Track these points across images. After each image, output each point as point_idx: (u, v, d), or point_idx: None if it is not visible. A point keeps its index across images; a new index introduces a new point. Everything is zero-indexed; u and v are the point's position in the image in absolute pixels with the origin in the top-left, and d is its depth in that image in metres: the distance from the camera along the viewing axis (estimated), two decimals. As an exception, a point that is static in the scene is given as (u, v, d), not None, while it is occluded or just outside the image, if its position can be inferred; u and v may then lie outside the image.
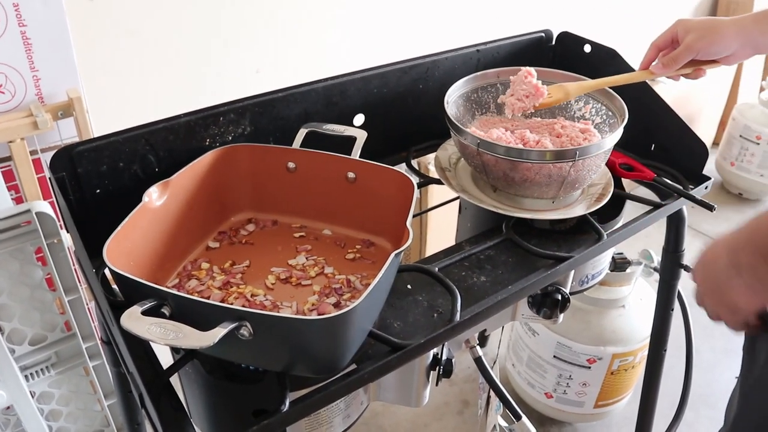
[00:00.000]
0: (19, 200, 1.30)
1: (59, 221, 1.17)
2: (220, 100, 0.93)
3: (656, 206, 1.04)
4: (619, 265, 1.52)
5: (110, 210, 0.80)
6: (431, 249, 2.04)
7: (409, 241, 0.70)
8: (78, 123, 1.25)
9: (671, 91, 2.68)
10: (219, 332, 0.58)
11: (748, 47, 0.97)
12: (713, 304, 0.77)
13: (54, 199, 1.33)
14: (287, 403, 0.67)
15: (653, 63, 1.03)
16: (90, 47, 1.34)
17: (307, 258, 0.88)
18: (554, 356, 1.64)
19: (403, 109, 1.11)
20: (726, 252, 0.74)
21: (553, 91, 1.02)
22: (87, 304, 1.29)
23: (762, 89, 2.90)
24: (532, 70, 1.02)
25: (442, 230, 2.03)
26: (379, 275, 0.64)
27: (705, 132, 3.26)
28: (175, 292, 0.63)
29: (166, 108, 0.95)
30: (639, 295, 1.62)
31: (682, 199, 1.06)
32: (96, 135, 1.27)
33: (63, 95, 1.25)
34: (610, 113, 1.04)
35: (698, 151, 1.10)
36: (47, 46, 1.21)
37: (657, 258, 1.48)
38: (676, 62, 0.99)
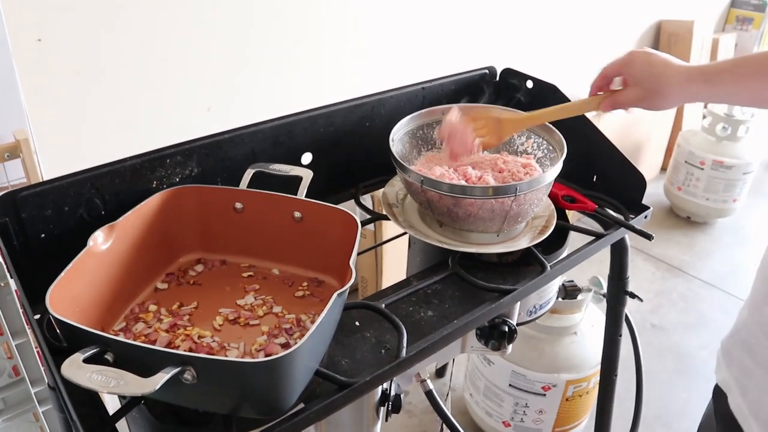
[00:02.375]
0: (-36, 244, 1.27)
1: (5, 265, 1.15)
2: (171, 138, 0.94)
3: (599, 236, 1.07)
4: (570, 292, 1.55)
5: (56, 254, 0.79)
6: (387, 281, 2.06)
7: (352, 281, 0.72)
8: (26, 164, 1.24)
9: (618, 120, 2.77)
10: (161, 378, 0.58)
11: (691, 102, 0.99)
12: None
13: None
14: (233, 446, 0.67)
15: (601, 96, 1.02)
16: (38, 88, 1.34)
17: (255, 297, 0.88)
18: (510, 385, 1.65)
19: (351, 146, 1.13)
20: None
21: (488, 131, 1.04)
22: (36, 348, 1.26)
23: (704, 117, 3.01)
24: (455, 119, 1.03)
25: (398, 262, 2.05)
26: (322, 316, 0.65)
27: (653, 158, 3.36)
28: (116, 337, 0.63)
29: (118, 146, 0.95)
30: (590, 321, 1.66)
31: (623, 228, 1.09)
32: (45, 176, 1.27)
33: (10, 137, 1.24)
34: (551, 147, 1.07)
35: (637, 182, 1.13)
36: (-7, 88, 1.21)
37: (606, 284, 1.51)
38: (620, 106, 1.00)
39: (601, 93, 1.03)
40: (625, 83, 0.99)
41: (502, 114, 1.07)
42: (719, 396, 0.93)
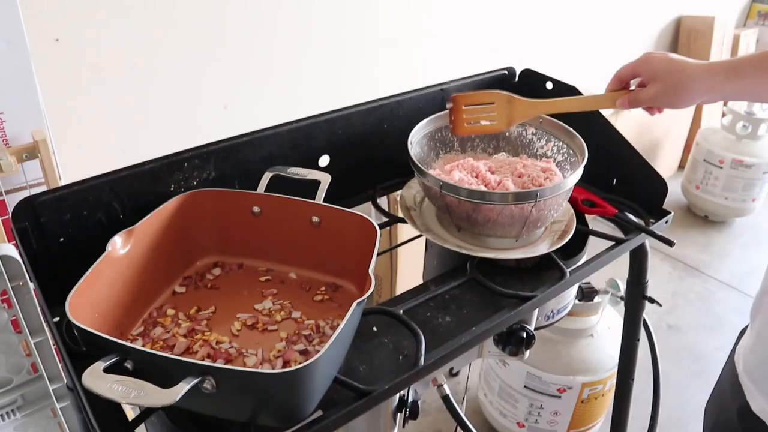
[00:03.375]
0: (-17, 242, 1.28)
1: (23, 264, 1.16)
2: (187, 135, 0.94)
3: (619, 242, 1.06)
4: (587, 294, 1.54)
5: (75, 258, 0.80)
6: (402, 284, 2.05)
7: (372, 289, 0.71)
8: (44, 165, 1.24)
9: (636, 118, 2.75)
10: (181, 389, 0.58)
11: (714, 99, 0.94)
12: None
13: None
14: (252, 454, 0.67)
15: (619, 92, 1.00)
16: (56, 88, 1.34)
17: (273, 302, 0.88)
18: (525, 386, 1.65)
19: (369, 148, 1.13)
20: None
21: (499, 113, 1.03)
22: (54, 346, 1.27)
23: (723, 114, 2.98)
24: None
25: (412, 265, 2.04)
26: (342, 325, 0.65)
27: (671, 156, 3.33)
28: (136, 346, 0.63)
29: (135, 145, 0.95)
30: (607, 323, 1.65)
31: (643, 234, 1.08)
32: (63, 175, 1.27)
33: (28, 137, 1.24)
34: (571, 151, 1.06)
35: (658, 186, 1.12)
36: (12, 88, 1.21)
37: (623, 287, 1.50)
38: (638, 105, 0.98)
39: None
40: (642, 84, 0.97)
41: (516, 96, 1.05)
42: (755, 423, 0.91)
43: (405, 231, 1.88)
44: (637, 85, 0.99)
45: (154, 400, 0.57)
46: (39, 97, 1.25)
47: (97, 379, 0.59)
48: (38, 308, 1.22)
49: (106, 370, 0.60)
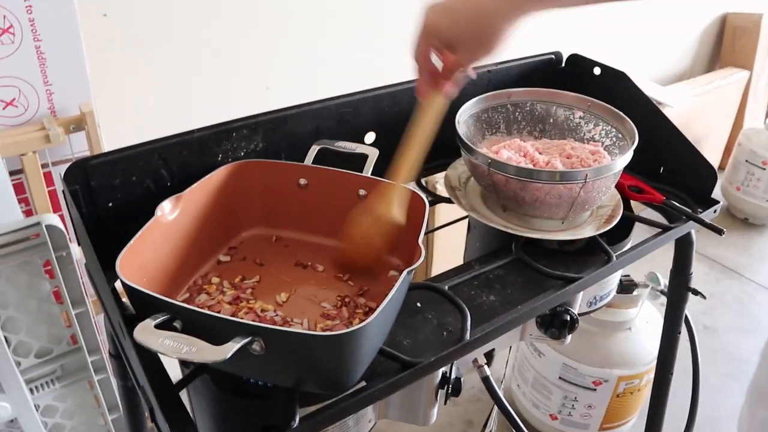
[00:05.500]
0: (29, 213, 1.30)
1: (68, 234, 1.17)
2: (228, 117, 0.94)
3: (665, 229, 1.04)
4: (626, 287, 1.52)
5: (122, 224, 0.80)
6: (437, 268, 2.04)
7: (421, 259, 0.70)
8: (89, 137, 1.25)
9: (674, 117, 2.69)
10: (232, 347, 0.58)
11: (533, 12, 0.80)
12: None
13: (65, 212, 1.33)
14: (297, 419, 0.67)
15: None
16: (102, 61, 1.36)
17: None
18: (560, 377, 1.63)
19: (414, 128, 1.12)
20: None
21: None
22: (93, 318, 1.29)
23: (767, 115, 2.91)
24: None
25: (448, 249, 2.02)
26: (391, 293, 0.64)
27: (711, 156, 3.26)
28: (187, 306, 0.63)
29: (175, 123, 0.96)
30: (645, 317, 1.62)
31: (690, 222, 1.06)
32: (106, 149, 1.29)
33: (75, 109, 1.26)
34: (620, 135, 1.04)
35: (707, 175, 1.10)
36: (61, 60, 1.22)
37: (663, 281, 1.48)
38: (462, 81, 0.88)
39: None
40: (445, 52, 0.83)
41: (377, 204, 0.86)
42: None
43: (443, 216, 1.87)
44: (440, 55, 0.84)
45: (205, 355, 0.57)
46: (87, 70, 1.26)
47: (149, 334, 0.59)
48: (80, 280, 1.24)
49: (157, 329, 0.61)
